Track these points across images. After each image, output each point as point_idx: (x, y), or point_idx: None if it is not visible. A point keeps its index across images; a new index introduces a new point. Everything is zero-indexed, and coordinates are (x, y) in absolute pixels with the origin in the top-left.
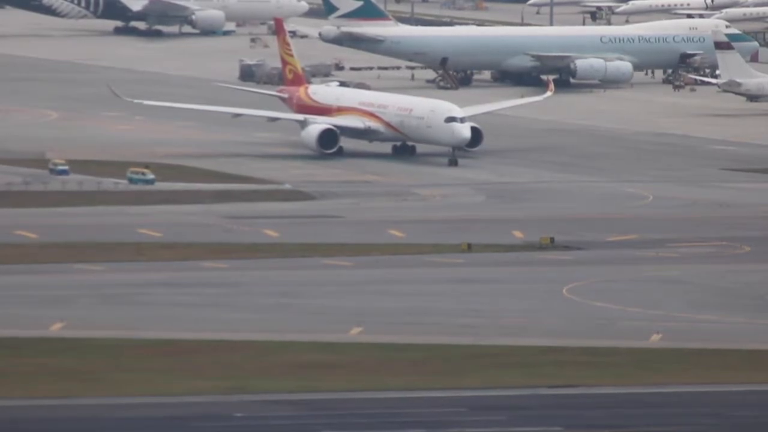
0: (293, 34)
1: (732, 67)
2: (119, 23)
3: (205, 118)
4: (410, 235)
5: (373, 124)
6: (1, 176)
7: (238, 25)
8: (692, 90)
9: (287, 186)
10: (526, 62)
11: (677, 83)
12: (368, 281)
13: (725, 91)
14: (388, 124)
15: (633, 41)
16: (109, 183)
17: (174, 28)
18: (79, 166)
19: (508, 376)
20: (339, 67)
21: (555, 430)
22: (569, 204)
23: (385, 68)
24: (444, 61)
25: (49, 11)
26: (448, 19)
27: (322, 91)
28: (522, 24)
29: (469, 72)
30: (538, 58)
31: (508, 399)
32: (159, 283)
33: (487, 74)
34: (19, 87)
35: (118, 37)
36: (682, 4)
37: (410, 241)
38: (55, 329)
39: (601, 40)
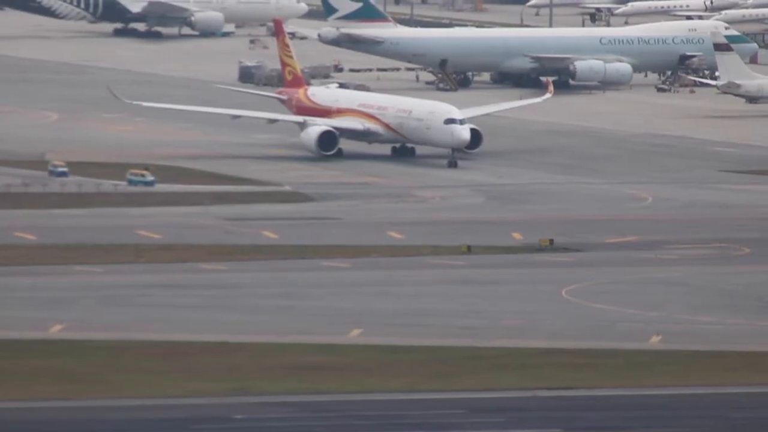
0: (292, 35)
1: (731, 68)
2: (119, 25)
3: (204, 119)
4: (409, 236)
5: (372, 125)
6: (0, 177)
7: (237, 27)
8: (691, 92)
9: (287, 188)
10: (525, 64)
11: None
12: (368, 283)
13: (724, 92)
14: (387, 126)
15: (632, 43)
16: (108, 185)
17: (173, 30)
18: (79, 167)
19: (507, 378)
20: (338, 69)
21: None
22: (568, 206)
23: (385, 70)
24: (443, 63)
25: (48, 13)
26: (448, 21)
27: (321, 93)
28: (521, 25)
29: (468, 74)
30: (537, 59)
31: (507, 401)
32: (158, 285)
33: (486, 76)
34: (19, 88)
35: (118, 38)
36: (681, 6)
37: (410, 242)
38: (55, 331)
39: (600, 41)
